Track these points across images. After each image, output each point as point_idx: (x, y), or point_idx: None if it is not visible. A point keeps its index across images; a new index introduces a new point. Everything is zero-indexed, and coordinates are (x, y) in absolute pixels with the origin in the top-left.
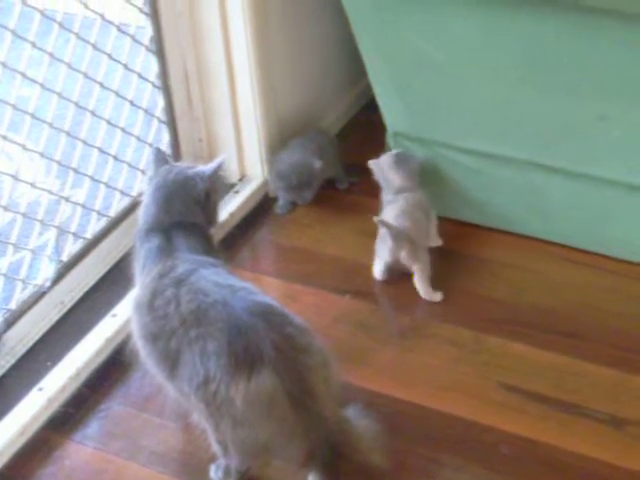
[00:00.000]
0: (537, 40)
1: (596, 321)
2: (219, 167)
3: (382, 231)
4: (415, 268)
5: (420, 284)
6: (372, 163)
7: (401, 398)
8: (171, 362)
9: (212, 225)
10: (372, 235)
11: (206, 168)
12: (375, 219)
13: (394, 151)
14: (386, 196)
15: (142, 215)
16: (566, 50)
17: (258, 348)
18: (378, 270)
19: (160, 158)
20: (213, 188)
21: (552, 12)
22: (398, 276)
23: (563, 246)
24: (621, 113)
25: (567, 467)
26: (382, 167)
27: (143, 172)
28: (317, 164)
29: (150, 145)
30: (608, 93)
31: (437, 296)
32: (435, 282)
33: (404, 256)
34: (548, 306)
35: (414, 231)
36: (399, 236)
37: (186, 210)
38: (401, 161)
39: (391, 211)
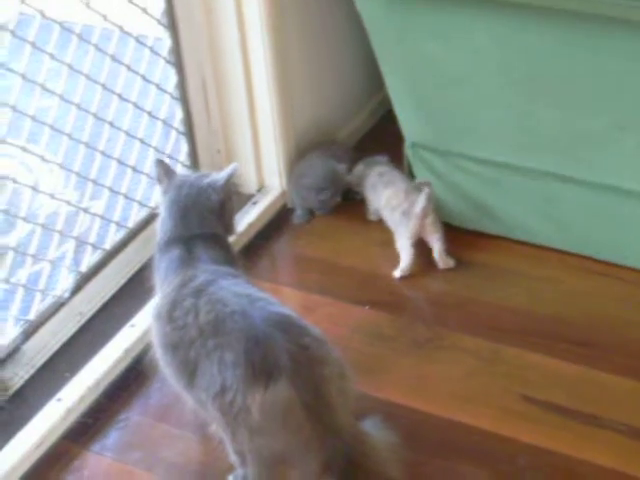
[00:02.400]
0: (555, 51)
1: (613, 331)
2: (231, 176)
3: (399, 211)
4: (436, 237)
5: (439, 254)
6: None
7: (419, 409)
8: (189, 372)
9: (230, 234)
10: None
11: (219, 177)
12: (418, 181)
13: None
14: (369, 183)
15: (160, 228)
16: (583, 60)
17: (275, 358)
18: (407, 251)
19: (166, 170)
20: (227, 197)
21: (570, 23)
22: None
23: (580, 256)
24: (638, 123)
25: (585, 478)
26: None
27: (148, 176)
28: (342, 168)
29: (169, 156)
30: (625, 103)
31: (451, 262)
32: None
33: (430, 223)
34: (565, 316)
35: (431, 204)
36: (424, 213)
37: (203, 222)
38: (370, 163)
39: (401, 193)
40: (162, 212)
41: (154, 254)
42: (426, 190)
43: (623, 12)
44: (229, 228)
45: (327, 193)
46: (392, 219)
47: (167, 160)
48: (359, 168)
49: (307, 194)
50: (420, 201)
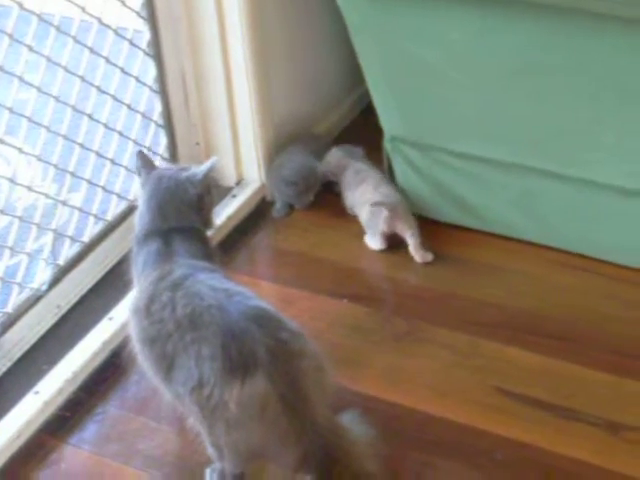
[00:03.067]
0: (531, 44)
1: (592, 326)
2: (210, 170)
3: (372, 209)
4: (409, 234)
5: (415, 249)
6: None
7: (396, 402)
8: (167, 365)
9: (208, 228)
10: None
11: (197, 171)
12: (371, 204)
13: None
14: (346, 180)
15: (138, 221)
16: (560, 54)
17: (252, 352)
18: (376, 242)
19: (146, 162)
20: (206, 191)
21: (546, 16)
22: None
23: (559, 251)
24: (615, 117)
25: (562, 472)
26: (338, 158)
27: (127, 168)
28: (319, 167)
29: (148, 149)
30: (602, 97)
31: (429, 256)
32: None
33: (400, 225)
34: (544, 311)
35: (402, 200)
36: (394, 208)
37: (181, 215)
38: (347, 152)
39: (370, 187)
40: (140, 205)
41: (132, 247)
42: (389, 204)
43: (601, 7)
44: (207, 222)
45: (298, 188)
46: (363, 215)
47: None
48: (335, 154)
49: (282, 187)
50: (383, 213)
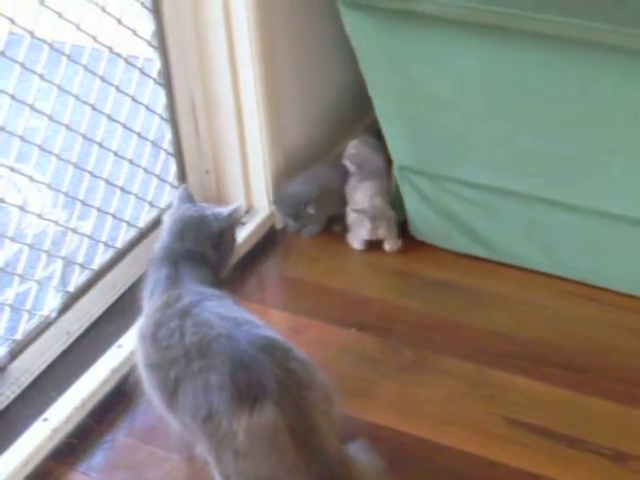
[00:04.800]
0: (542, 74)
1: (600, 355)
2: (235, 211)
3: (356, 216)
4: (389, 239)
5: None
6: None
7: (405, 431)
8: (169, 392)
9: (223, 266)
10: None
11: (223, 209)
12: (350, 210)
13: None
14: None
15: (157, 245)
16: (570, 85)
17: (260, 382)
18: (358, 243)
19: (186, 197)
20: (227, 228)
21: (555, 46)
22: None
23: (567, 280)
24: (625, 147)
25: None
26: (363, 151)
27: (137, 196)
28: (310, 209)
29: (157, 177)
30: (613, 127)
31: (399, 243)
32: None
33: (382, 232)
34: (551, 340)
35: (387, 209)
36: (376, 217)
37: (198, 242)
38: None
39: (363, 194)
40: (163, 231)
41: (146, 270)
42: (370, 213)
43: (610, 38)
44: (223, 260)
45: (293, 219)
46: (349, 217)
47: (156, 181)
48: (357, 145)
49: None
50: (366, 222)
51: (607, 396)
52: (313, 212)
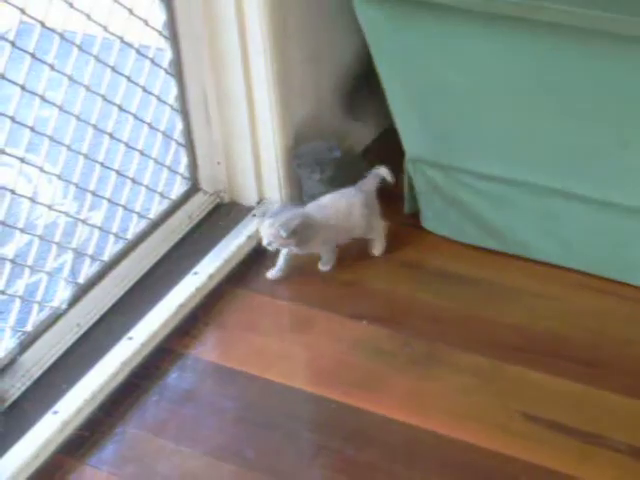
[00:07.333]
0: (557, 66)
1: (615, 349)
2: None
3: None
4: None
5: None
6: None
7: (417, 425)
8: None
9: None
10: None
11: None
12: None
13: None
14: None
15: None
16: (587, 76)
17: None
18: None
19: None
20: None
21: (570, 37)
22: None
23: (582, 273)
24: None
25: None
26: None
27: (147, 187)
28: (337, 152)
29: (168, 168)
30: (630, 119)
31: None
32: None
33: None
34: (567, 334)
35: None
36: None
37: None
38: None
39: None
40: None
41: None
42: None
43: (626, 29)
44: None
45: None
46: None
47: (167, 172)
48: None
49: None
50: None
51: (623, 391)
52: (339, 155)
